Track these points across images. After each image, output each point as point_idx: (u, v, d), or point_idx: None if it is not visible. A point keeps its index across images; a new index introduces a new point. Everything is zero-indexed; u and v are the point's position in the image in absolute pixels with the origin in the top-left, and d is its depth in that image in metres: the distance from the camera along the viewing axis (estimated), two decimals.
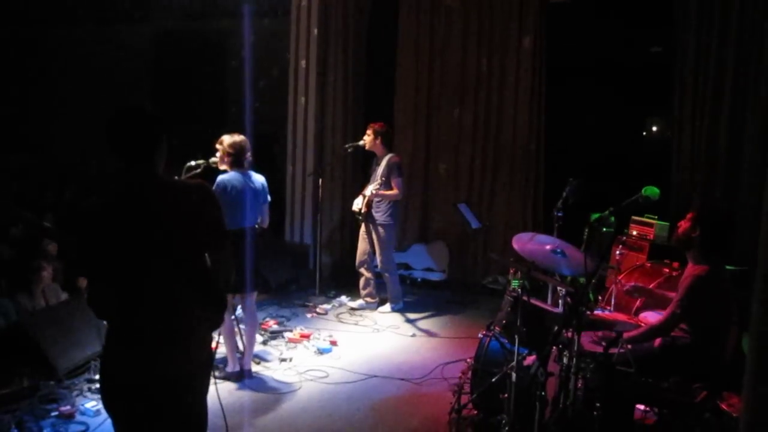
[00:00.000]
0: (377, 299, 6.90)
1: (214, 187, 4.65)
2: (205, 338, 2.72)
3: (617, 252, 5.38)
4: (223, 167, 4.87)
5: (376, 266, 6.79)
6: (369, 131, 6.60)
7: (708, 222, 3.65)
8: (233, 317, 5.08)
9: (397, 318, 6.67)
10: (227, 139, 4.84)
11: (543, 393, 3.39)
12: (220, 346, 4.79)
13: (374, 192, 6.48)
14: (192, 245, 2.56)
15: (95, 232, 2.43)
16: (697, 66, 6.53)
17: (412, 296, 7.43)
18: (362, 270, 6.85)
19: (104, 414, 4.25)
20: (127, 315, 2.48)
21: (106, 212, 2.46)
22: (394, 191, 6.46)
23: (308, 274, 7.77)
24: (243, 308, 5.04)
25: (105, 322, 2.63)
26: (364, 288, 6.90)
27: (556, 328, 3.75)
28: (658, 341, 3.74)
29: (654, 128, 8.33)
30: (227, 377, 4.85)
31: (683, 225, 3.74)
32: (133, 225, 2.44)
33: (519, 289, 3.96)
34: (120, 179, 2.55)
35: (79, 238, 2.48)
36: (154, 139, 2.55)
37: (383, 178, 6.46)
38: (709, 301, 3.52)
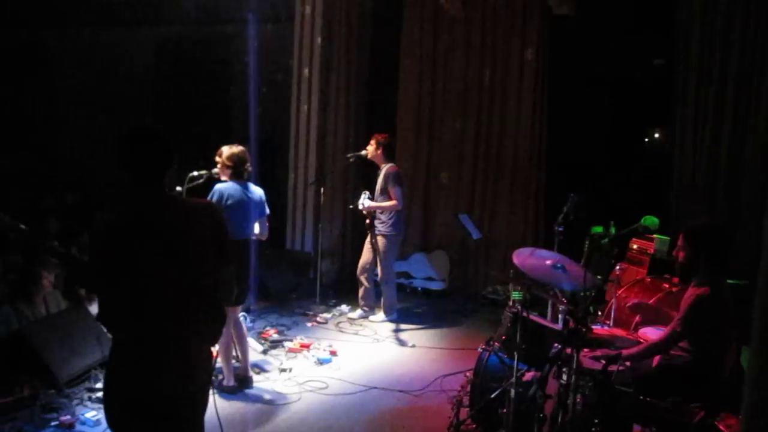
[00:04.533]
0: (373, 309, 6.92)
1: (210, 195, 4.68)
2: (207, 354, 2.76)
3: (617, 266, 5.39)
4: (223, 178, 4.88)
5: (377, 275, 6.80)
6: (372, 141, 6.63)
7: (709, 246, 3.64)
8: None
9: (396, 328, 6.67)
10: (226, 150, 4.86)
11: (542, 415, 3.40)
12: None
13: (363, 205, 6.52)
14: (200, 264, 2.61)
15: (108, 251, 2.46)
16: (699, 79, 6.54)
17: (410, 304, 7.45)
18: (362, 278, 6.85)
19: (104, 424, 4.29)
20: (137, 331, 2.51)
21: (118, 231, 2.48)
22: (393, 202, 6.47)
23: (309, 282, 7.79)
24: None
25: (110, 336, 2.65)
26: (363, 297, 6.91)
27: (554, 347, 3.77)
28: (656, 360, 3.75)
29: (656, 135, 8.34)
30: (223, 390, 4.85)
31: (681, 254, 3.75)
32: (145, 244, 2.47)
33: (519, 306, 3.98)
34: (132, 198, 2.58)
35: (92, 256, 2.51)
36: (168, 161, 2.60)
37: (379, 189, 6.51)
38: (711, 321, 3.53)
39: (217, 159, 4.88)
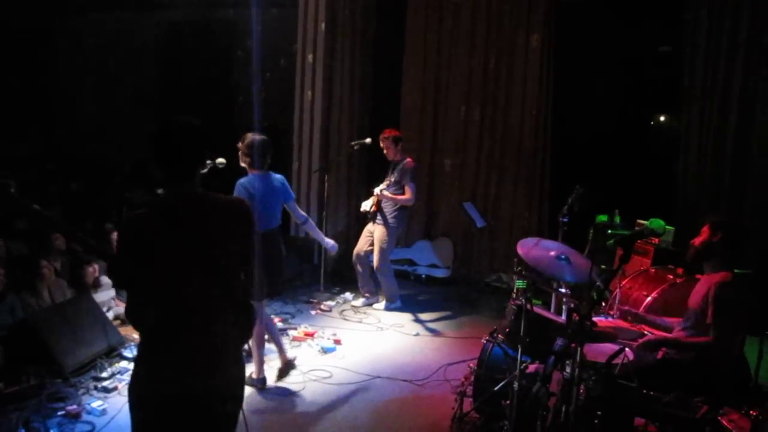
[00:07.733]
0: (376, 295, 6.93)
1: (236, 191, 4.62)
2: (237, 353, 2.71)
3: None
4: (242, 165, 4.82)
5: (371, 261, 6.81)
6: (388, 141, 6.55)
7: (727, 227, 3.73)
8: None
9: (400, 316, 6.69)
10: (246, 139, 4.77)
11: (545, 413, 3.41)
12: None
13: (381, 192, 6.50)
14: (230, 260, 2.57)
15: (135, 245, 2.43)
16: (705, 66, 6.49)
17: (413, 292, 7.47)
18: (357, 265, 6.88)
19: (110, 414, 4.33)
20: (165, 327, 2.48)
21: (149, 224, 2.46)
22: (407, 196, 6.46)
23: (313, 270, 7.79)
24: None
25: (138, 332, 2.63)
26: (362, 284, 6.94)
27: (558, 342, 3.77)
28: (660, 353, 3.76)
29: (662, 119, 8.28)
30: (253, 384, 4.85)
31: (700, 238, 3.79)
32: (175, 238, 2.45)
33: (522, 298, 3.98)
34: (164, 193, 2.59)
35: (120, 249, 2.48)
36: (202, 156, 2.59)
37: (393, 180, 6.49)
38: (735, 307, 3.58)
39: (239, 145, 4.82)
